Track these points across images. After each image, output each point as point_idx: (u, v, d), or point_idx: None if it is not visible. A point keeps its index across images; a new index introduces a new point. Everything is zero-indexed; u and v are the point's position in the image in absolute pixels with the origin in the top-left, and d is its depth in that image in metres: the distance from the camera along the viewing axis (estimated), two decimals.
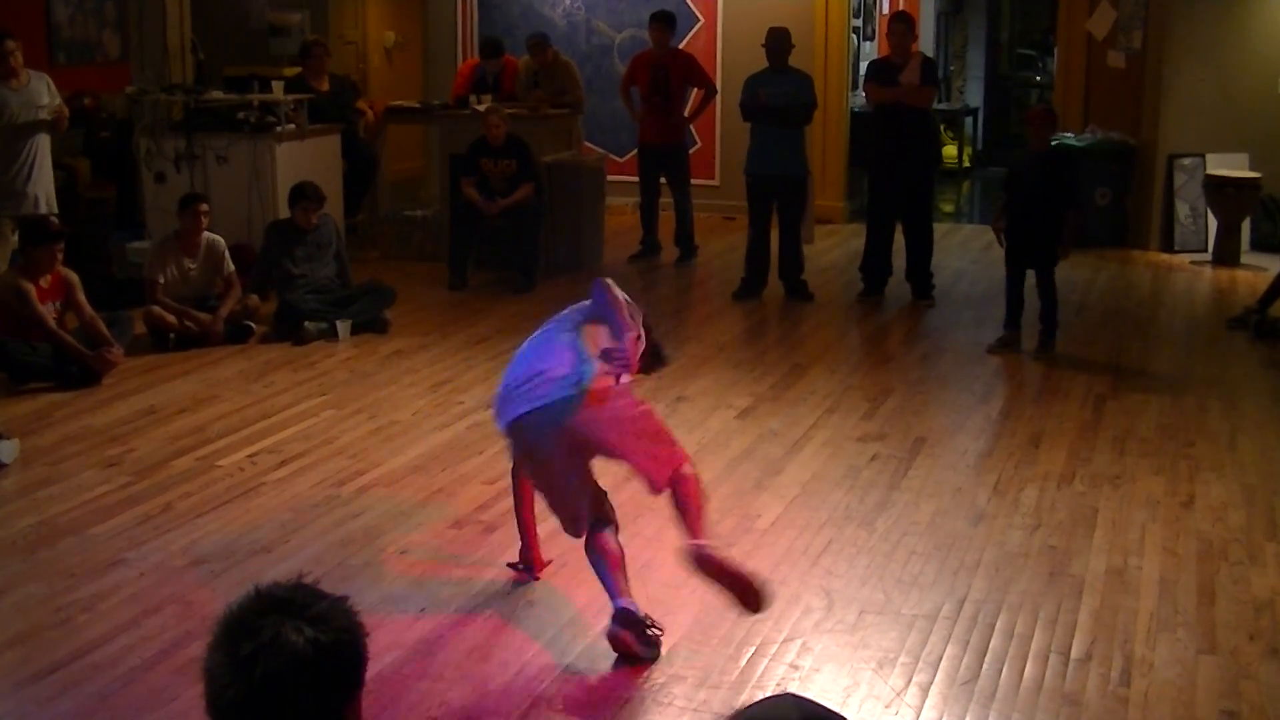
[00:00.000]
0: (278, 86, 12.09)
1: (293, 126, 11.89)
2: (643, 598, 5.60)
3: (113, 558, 6.11)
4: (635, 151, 13.77)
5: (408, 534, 6.43)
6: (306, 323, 9.99)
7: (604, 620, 5.42)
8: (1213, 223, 14.06)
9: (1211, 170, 14.07)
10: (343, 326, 10.09)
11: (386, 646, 5.20)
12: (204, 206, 10.04)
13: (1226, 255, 13.71)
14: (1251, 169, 14.11)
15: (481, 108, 12.72)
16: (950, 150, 20.46)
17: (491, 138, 11.92)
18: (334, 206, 11.59)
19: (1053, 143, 11.14)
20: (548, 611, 5.60)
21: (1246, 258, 13.77)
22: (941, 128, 19.35)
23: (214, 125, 11.76)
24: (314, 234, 10.45)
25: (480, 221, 11.90)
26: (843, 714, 2.08)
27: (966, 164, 21.01)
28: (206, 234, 10.08)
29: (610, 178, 13.75)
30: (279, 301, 10.26)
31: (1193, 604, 5.75)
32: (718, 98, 13.98)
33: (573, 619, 5.53)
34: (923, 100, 11.49)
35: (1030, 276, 10.00)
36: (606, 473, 5.86)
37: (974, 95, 22.51)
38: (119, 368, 9.12)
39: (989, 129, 22.03)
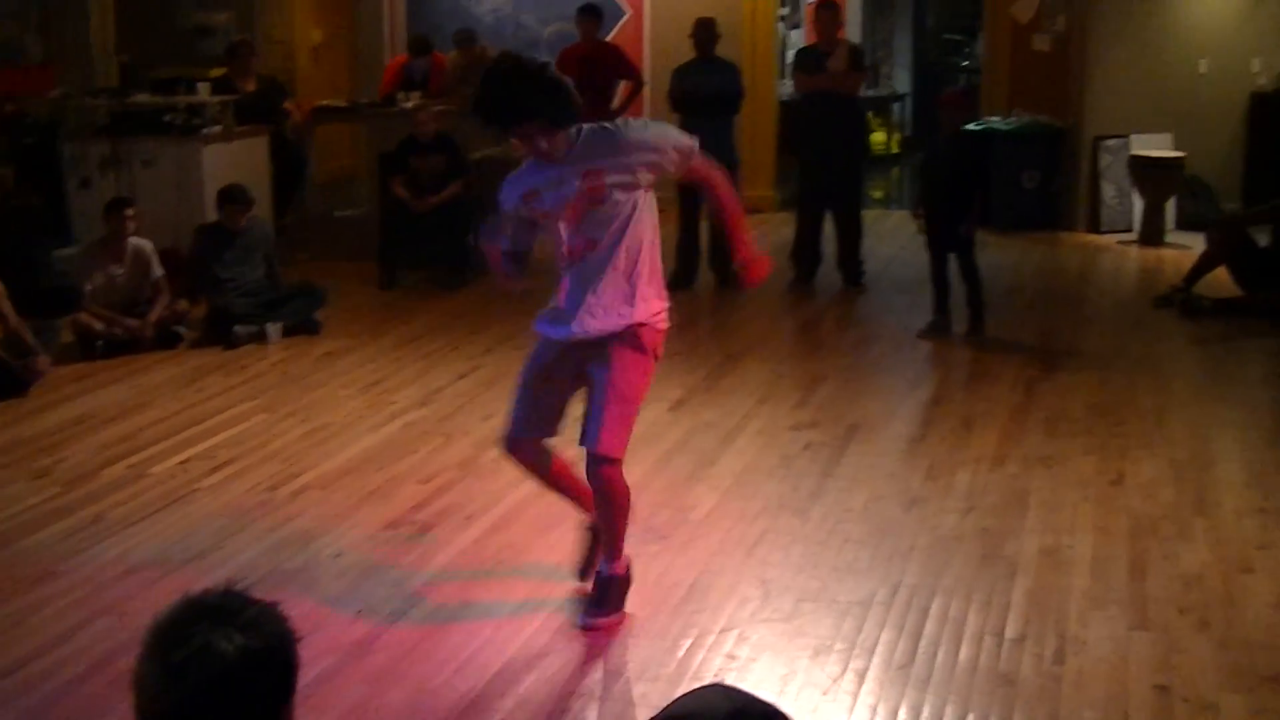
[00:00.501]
0: (204, 88, 12.04)
1: (220, 128, 11.84)
2: (579, 592, 5.63)
3: (44, 570, 6.05)
4: None
5: (343, 536, 6.41)
6: (237, 326, 9.93)
7: (541, 617, 5.44)
8: (1138, 203, 14.21)
9: (1136, 151, 14.21)
10: (274, 329, 10.05)
11: (323, 650, 5.19)
12: (130, 211, 9.96)
13: (1152, 235, 13.85)
14: (1175, 149, 14.26)
15: (410, 105, 12.70)
16: (879, 137, 20.56)
17: (420, 135, 11.90)
18: (263, 208, 11.54)
19: (967, 126, 11.21)
20: (484, 610, 5.60)
21: (1172, 237, 13.91)
22: (870, 115, 19.42)
23: (140, 129, 11.68)
24: (243, 237, 10.39)
25: (410, 220, 11.86)
26: (773, 702, 2.09)
27: (895, 150, 21.12)
28: (133, 239, 10.00)
29: None
30: (209, 305, 10.21)
31: (1124, 581, 5.80)
32: (646, 89, 13.98)
33: (510, 616, 5.52)
34: (851, 87, 11.53)
35: (954, 261, 10.06)
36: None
37: (902, 81, 22.62)
38: (47, 377, 9.04)
39: (917, 115, 22.13)
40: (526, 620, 5.49)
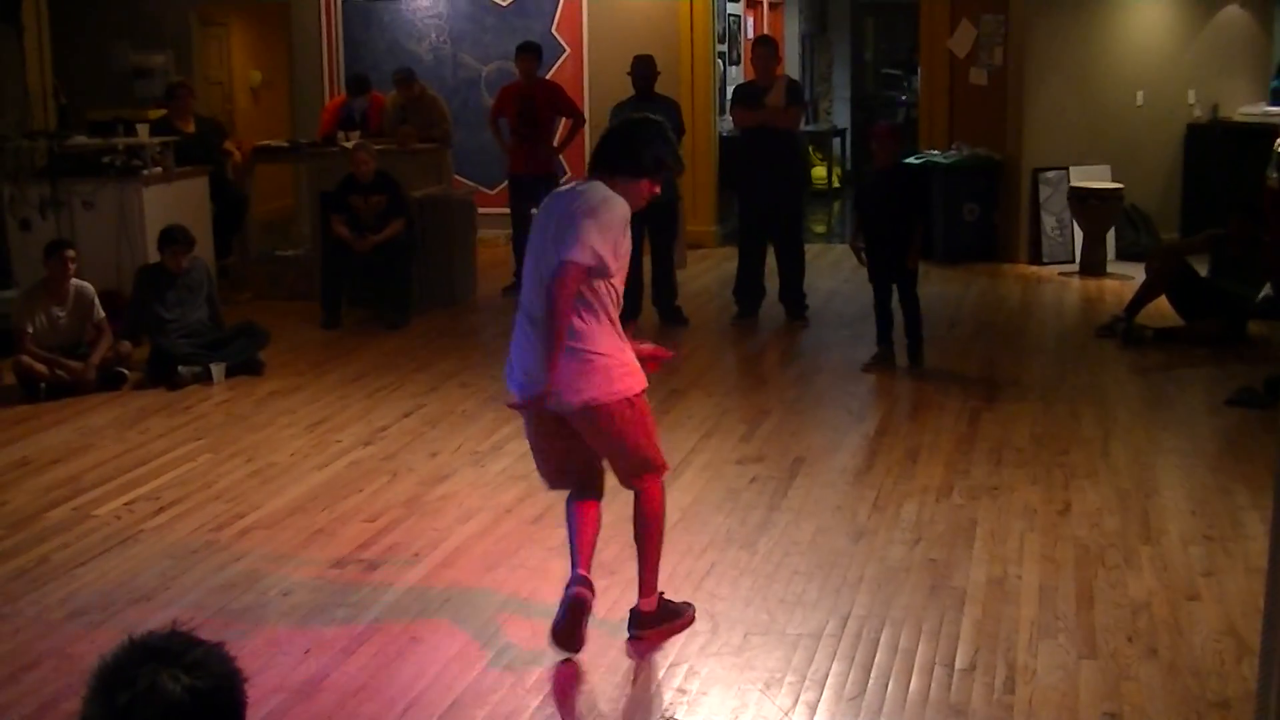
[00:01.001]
0: (143, 129, 11.98)
1: (159, 169, 11.79)
2: (526, 629, 5.61)
3: None
4: (505, 183, 13.73)
5: (289, 576, 6.37)
6: (180, 367, 9.88)
7: (489, 654, 5.42)
8: (1078, 234, 14.31)
9: (1075, 183, 14.33)
10: (217, 369, 10.00)
11: (272, 689, 5.15)
12: (71, 253, 9.90)
13: (1093, 265, 13.95)
14: (1114, 180, 14.37)
15: (349, 144, 12.68)
16: (819, 171, 20.68)
17: (360, 174, 11.87)
18: (204, 249, 11.47)
19: (909, 159, 11.28)
20: (432, 649, 5.57)
21: (1112, 267, 14.03)
22: (810, 149, 19.52)
23: (79, 170, 11.61)
24: (185, 277, 10.33)
25: (352, 259, 11.83)
26: None
27: (836, 184, 21.24)
28: (75, 281, 9.94)
29: (481, 210, 13.72)
30: (151, 346, 10.14)
31: (1072, 609, 5.82)
32: (585, 127, 14.01)
33: (458, 654, 5.50)
34: (790, 122, 11.57)
35: (897, 292, 10.11)
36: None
37: (841, 116, 22.75)
38: None
39: (856, 149, 22.25)
40: (476, 657, 5.46)
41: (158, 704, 2.11)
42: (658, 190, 5.50)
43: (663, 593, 5.67)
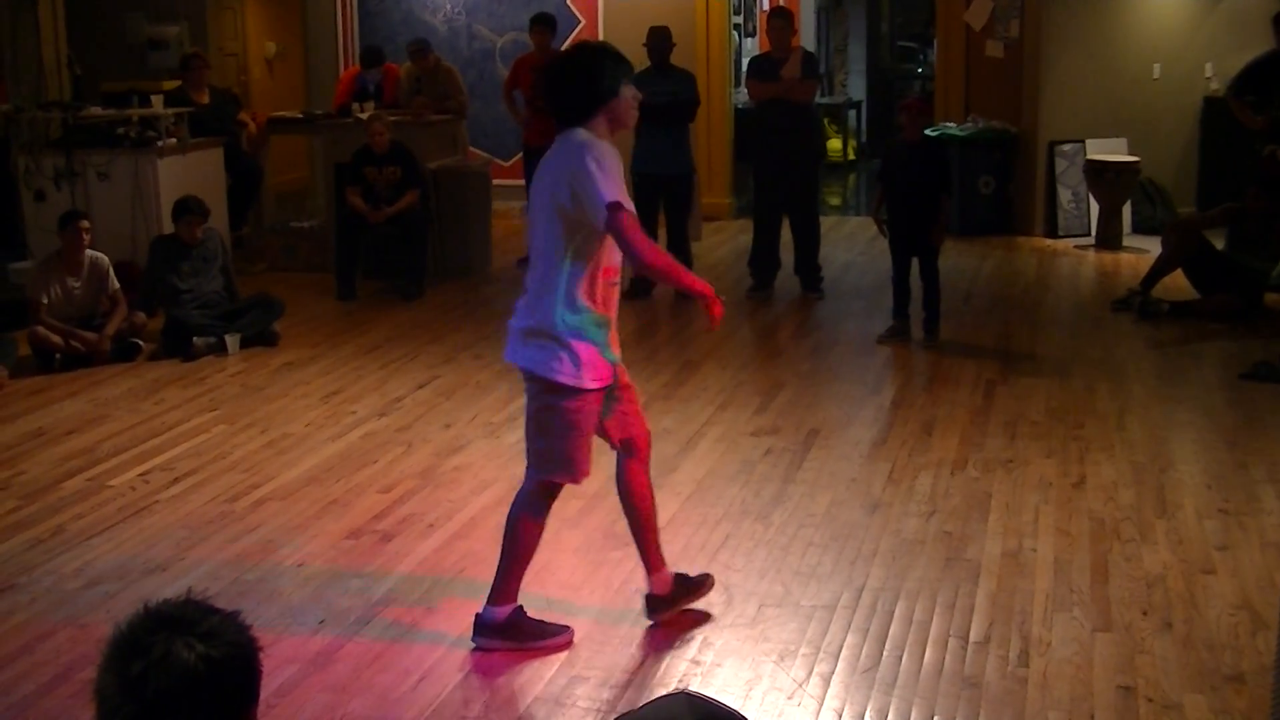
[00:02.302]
0: (157, 100, 11.98)
1: (174, 141, 11.79)
2: (541, 601, 5.61)
3: (3, 584, 6.01)
4: (520, 155, 13.71)
5: (304, 546, 6.38)
6: (195, 338, 9.89)
7: None
8: (1094, 207, 14.27)
9: (1091, 155, 14.29)
10: (232, 340, 10.00)
11: (286, 660, 5.17)
12: (85, 224, 9.89)
13: (1109, 239, 13.91)
14: (1130, 153, 14.33)
15: (364, 116, 12.67)
16: (834, 143, 20.64)
17: (375, 145, 11.86)
18: (219, 220, 11.48)
19: (927, 131, 11.25)
20: (447, 619, 5.57)
21: (1128, 240, 14.00)
22: (825, 121, 19.47)
23: (93, 141, 11.62)
24: (199, 248, 10.34)
25: (367, 230, 11.83)
26: (737, 708, 2.08)
27: (851, 157, 21.20)
28: (89, 252, 9.95)
29: (496, 182, 13.70)
30: (166, 318, 10.15)
31: (1087, 583, 5.81)
32: None
33: (471, 627, 5.50)
34: (805, 94, 11.53)
35: (916, 265, 10.09)
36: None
37: (856, 88, 22.69)
38: (4, 390, 9.00)
39: (872, 121, 22.22)
40: None
41: (172, 672, 2.10)
42: (639, 98, 5.32)
43: (678, 574, 5.64)
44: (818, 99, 12.99)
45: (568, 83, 5.18)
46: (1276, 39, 12.00)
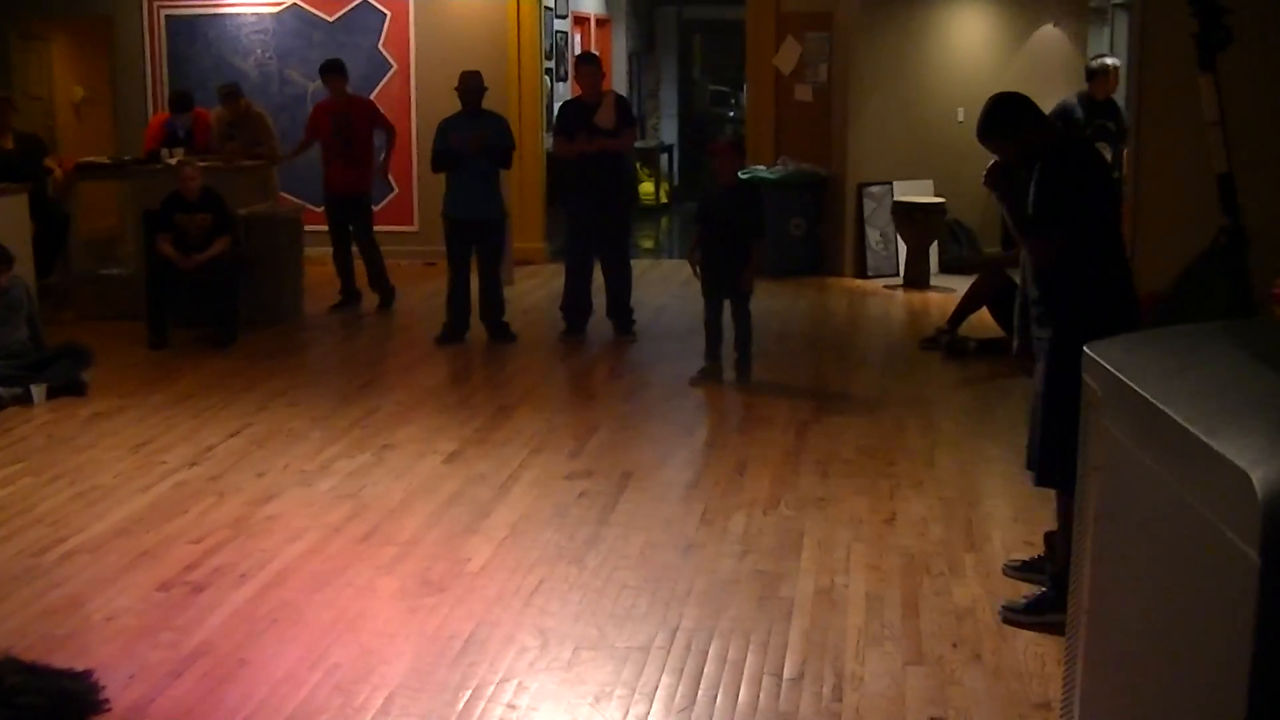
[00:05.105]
0: None
1: None
2: (355, 648, 5.56)
3: None
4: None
5: (113, 600, 6.25)
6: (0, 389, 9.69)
7: (318, 675, 5.35)
8: (903, 247, 14.49)
9: (899, 197, 14.53)
10: (37, 391, 9.79)
11: (96, 717, 5.05)
12: None
13: (917, 278, 14.15)
14: (936, 195, 14.61)
15: (174, 162, 12.51)
16: (647, 187, 20.76)
17: (186, 192, 11.71)
18: (25, 268, 11.24)
19: (741, 175, 11.37)
20: (260, 671, 5.49)
21: (936, 280, 14.25)
22: (638, 165, 19.59)
23: None
24: (4, 297, 10.12)
25: (178, 277, 11.67)
26: None
27: (664, 200, 21.34)
28: None
29: (308, 228, 13.58)
30: None
31: (898, 617, 5.88)
32: (415, 144, 13.96)
33: (287, 675, 5.43)
34: (626, 146, 11.63)
35: (728, 307, 10.17)
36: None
37: (669, 132, 22.88)
38: None
39: (684, 165, 22.40)
40: (304, 678, 5.39)
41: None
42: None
43: None
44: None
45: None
46: (1090, 87, 12.43)
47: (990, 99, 6.09)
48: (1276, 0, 9.60)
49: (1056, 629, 5.14)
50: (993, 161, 6.12)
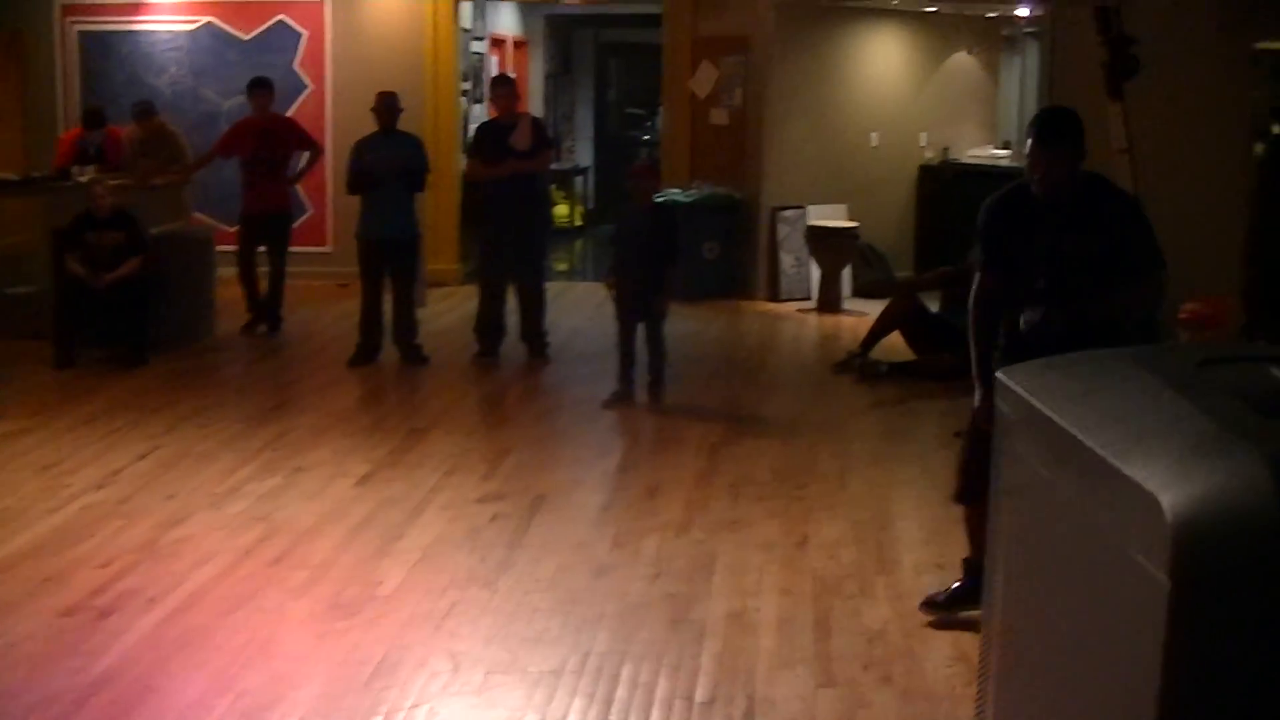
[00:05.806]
0: None
1: None
2: (265, 673, 5.52)
3: None
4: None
5: (15, 626, 6.15)
6: None
7: (226, 701, 5.31)
8: (816, 271, 14.56)
9: (812, 221, 14.60)
10: None
11: None
12: None
13: (830, 302, 14.23)
14: (850, 219, 14.69)
15: (85, 179, 12.40)
16: (562, 209, 20.73)
17: (97, 210, 11.60)
18: None
19: (657, 198, 11.39)
20: (168, 697, 5.44)
21: (848, 303, 14.34)
22: (553, 187, 19.58)
23: None
24: None
25: (88, 297, 11.54)
26: None
27: (579, 223, 21.32)
28: None
29: (220, 248, 13.46)
30: None
31: (810, 640, 5.90)
32: (330, 164, 13.90)
33: (196, 701, 5.38)
34: (541, 167, 11.62)
35: (642, 330, 10.17)
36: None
37: (584, 155, 22.87)
38: None
39: (600, 187, 22.40)
40: (214, 704, 5.34)
41: None
42: None
43: None
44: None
45: None
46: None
47: (1058, 108, 5.98)
48: (1180, 29, 9.74)
49: (974, 627, 5.20)
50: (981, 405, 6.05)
